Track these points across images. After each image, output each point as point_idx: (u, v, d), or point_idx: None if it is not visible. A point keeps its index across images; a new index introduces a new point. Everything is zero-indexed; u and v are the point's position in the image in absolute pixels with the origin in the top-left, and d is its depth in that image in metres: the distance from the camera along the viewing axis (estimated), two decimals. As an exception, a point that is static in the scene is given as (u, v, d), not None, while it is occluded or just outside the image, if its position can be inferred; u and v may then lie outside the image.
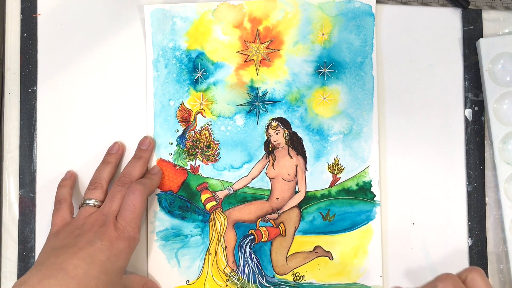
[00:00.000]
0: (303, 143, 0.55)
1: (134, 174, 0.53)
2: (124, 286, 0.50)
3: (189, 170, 0.55)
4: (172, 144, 0.55)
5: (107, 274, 0.46)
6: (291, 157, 0.55)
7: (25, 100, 0.57)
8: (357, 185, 0.54)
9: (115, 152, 0.55)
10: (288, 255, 0.54)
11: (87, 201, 0.51)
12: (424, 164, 0.55)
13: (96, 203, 0.51)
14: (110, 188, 0.52)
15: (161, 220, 0.55)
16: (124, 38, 0.57)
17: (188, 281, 0.54)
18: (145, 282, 0.52)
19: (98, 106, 0.56)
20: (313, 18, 0.55)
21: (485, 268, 0.54)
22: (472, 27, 0.55)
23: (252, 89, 0.55)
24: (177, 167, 0.55)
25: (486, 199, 0.55)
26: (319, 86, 0.55)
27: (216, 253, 0.54)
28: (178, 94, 0.55)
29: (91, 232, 0.48)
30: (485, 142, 0.55)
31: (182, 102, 0.55)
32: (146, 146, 0.54)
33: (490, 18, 0.56)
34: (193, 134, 0.55)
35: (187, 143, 0.55)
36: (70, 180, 0.54)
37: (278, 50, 0.55)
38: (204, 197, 0.55)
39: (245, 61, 0.55)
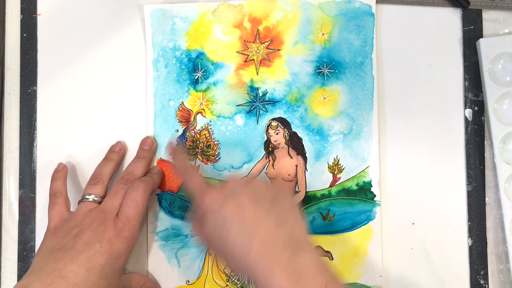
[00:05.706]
0: (303, 143, 0.55)
1: (137, 173, 0.52)
2: (123, 286, 0.50)
3: (189, 170, 0.55)
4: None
5: (106, 278, 0.46)
6: (291, 157, 0.55)
7: (25, 100, 0.57)
8: (357, 185, 0.54)
9: (118, 150, 0.54)
10: (288, 255, 0.54)
11: (87, 196, 0.51)
12: (424, 164, 0.55)
13: (96, 198, 0.51)
14: (110, 186, 0.52)
15: (161, 220, 0.55)
16: (124, 38, 0.57)
17: (188, 281, 0.54)
18: (144, 282, 0.52)
19: (98, 106, 0.56)
20: (313, 18, 0.55)
21: (485, 268, 0.54)
22: (472, 27, 0.55)
23: (252, 89, 0.55)
24: (177, 167, 0.55)
25: (486, 199, 0.55)
26: (319, 86, 0.55)
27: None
28: (178, 94, 0.55)
29: (90, 231, 0.47)
30: (485, 142, 0.55)
31: (182, 102, 0.55)
32: (149, 146, 0.54)
33: (490, 18, 0.56)
34: (193, 134, 0.55)
35: (187, 143, 0.55)
36: (63, 172, 0.54)
37: (278, 50, 0.55)
38: (204, 197, 0.55)
39: (245, 61, 0.55)
